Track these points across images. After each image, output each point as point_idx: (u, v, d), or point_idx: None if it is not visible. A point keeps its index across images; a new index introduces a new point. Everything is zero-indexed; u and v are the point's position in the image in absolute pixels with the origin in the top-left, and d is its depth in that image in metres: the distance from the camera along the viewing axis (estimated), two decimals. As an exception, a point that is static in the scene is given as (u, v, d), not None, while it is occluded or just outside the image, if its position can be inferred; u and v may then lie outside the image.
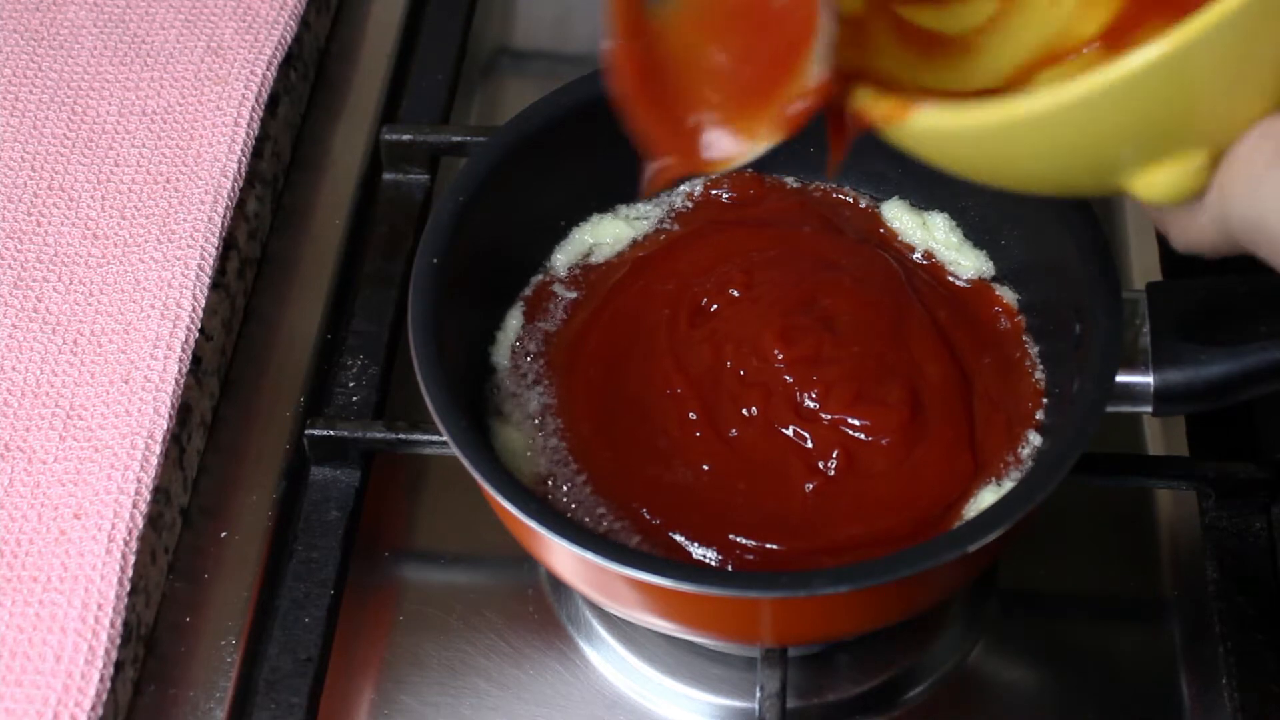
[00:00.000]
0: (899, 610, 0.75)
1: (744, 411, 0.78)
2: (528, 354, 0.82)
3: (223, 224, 0.90)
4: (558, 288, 0.85)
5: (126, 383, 0.83)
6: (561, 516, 0.72)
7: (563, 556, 0.73)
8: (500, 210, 0.82)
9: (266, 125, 0.96)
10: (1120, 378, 0.74)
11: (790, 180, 0.89)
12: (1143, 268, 0.96)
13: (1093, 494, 0.86)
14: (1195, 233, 0.62)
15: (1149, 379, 0.76)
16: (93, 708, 0.74)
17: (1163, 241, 0.94)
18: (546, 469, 0.78)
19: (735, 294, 0.82)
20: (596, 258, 0.86)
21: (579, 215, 0.87)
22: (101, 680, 0.75)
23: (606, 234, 0.87)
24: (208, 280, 0.88)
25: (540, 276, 0.86)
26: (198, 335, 0.86)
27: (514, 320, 0.84)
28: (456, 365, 0.77)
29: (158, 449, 0.81)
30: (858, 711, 0.81)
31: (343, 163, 1.00)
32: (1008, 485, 0.77)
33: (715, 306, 0.82)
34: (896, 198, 0.87)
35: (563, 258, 0.86)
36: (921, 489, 0.76)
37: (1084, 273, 0.76)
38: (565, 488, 0.77)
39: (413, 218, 0.95)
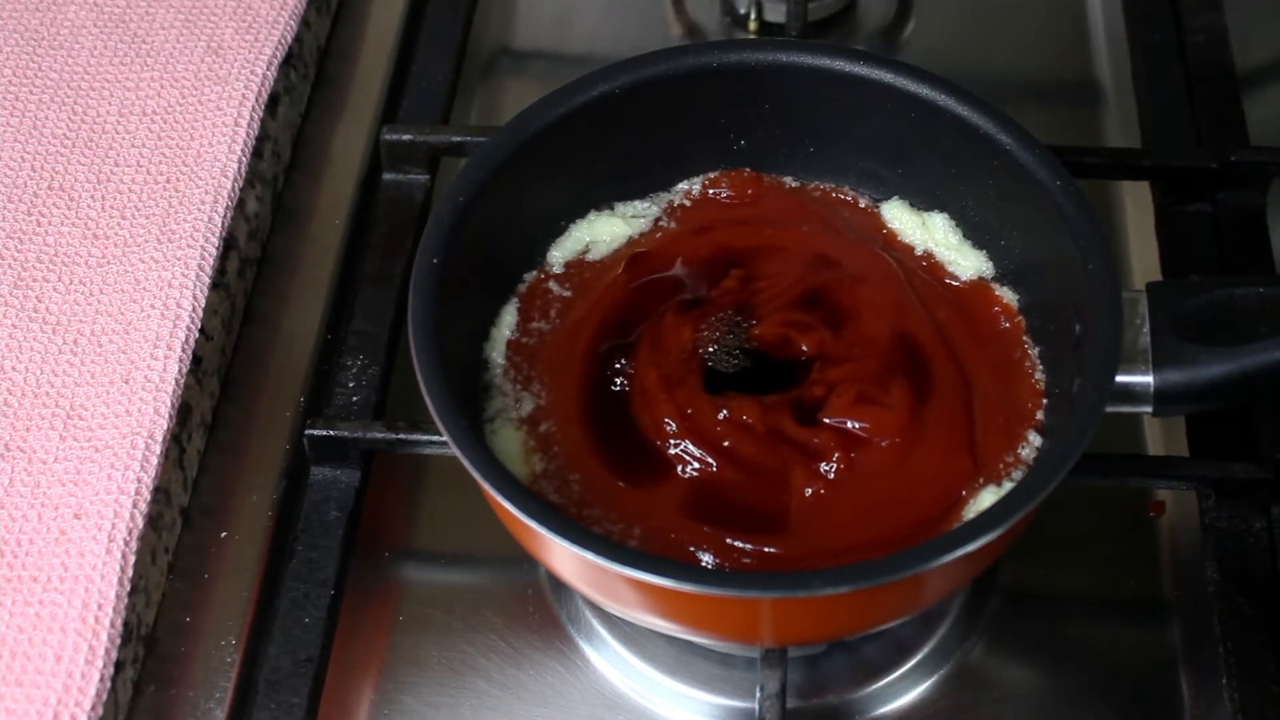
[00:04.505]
0: (899, 610, 0.75)
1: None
2: (522, 351, 0.82)
3: (223, 224, 0.90)
4: (552, 284, 0.85)
5: (126, 383, 0.83)
6: (561, 516, 0.71)
7: (563, 556, 0.73)
8: (500, 210, 0.82)
9: (266, 125, 0.96)
10: (1120, 378, 0.74)
11: (789, 180, 0.88)
12: (1143, 268, 0.96)
13: (1093, 494, 0.86)
14: None
15: (1149, 379, 0.76)
16: (93, 708, 0.74)
17: (1163, 241, 0.94)
18: (541, 469, 0.78)
19: (732, 294, 0.82)
20: (593, 255, 0.86)
21: (577, 213, 0.87)
22: (101, 680, 0.75)
23: (604, 232, 0.86)
24: (208, 280, 0.88)
25: (535, 273, 0.85)
26: (198, 335, 0.86)
27: (509, 316, 0.83)
28: (456, 365, 0.77)
29: (158, 449, 0.81)
30: (858, 711, 0.81)
31: (343, 163, 1.00)
32: (1008, 486, 0.77)
33: (713, 306, 0.82)
34: (896, 198, 0.87)
35: (559, 254, 0.86)
36: (921, 490, 0.76)
37: (1084, 273, 0.76)
38: (560, 488, 0.77)
39: (413, 218, 0.95)
